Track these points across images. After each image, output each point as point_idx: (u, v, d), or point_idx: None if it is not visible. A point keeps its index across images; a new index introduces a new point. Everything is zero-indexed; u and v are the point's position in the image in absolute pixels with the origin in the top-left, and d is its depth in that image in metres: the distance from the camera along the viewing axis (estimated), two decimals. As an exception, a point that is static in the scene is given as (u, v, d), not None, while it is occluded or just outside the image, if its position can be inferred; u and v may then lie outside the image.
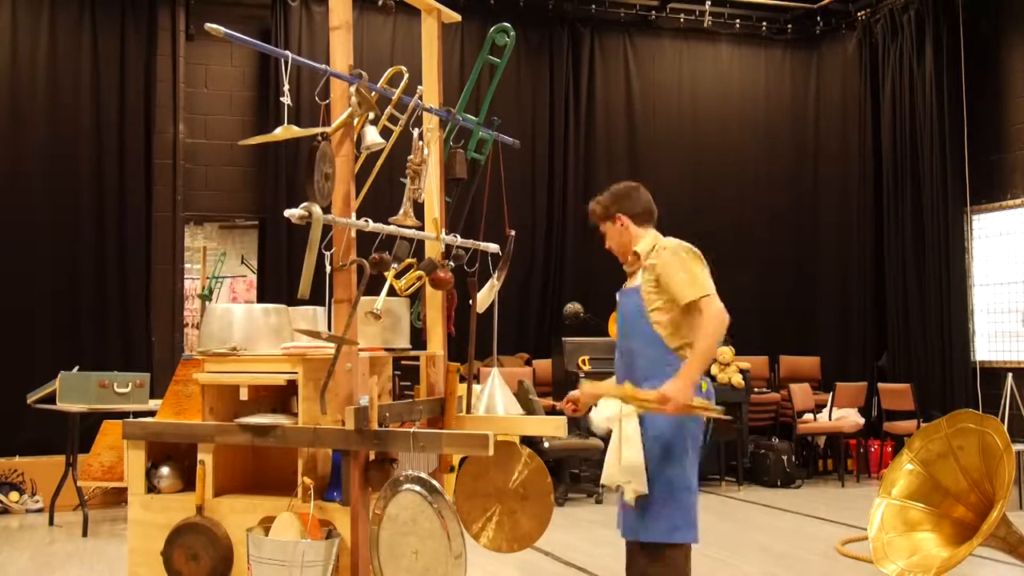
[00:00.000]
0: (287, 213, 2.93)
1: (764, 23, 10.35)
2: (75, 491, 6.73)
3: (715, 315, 3.32)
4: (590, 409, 3.58)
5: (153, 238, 8.37)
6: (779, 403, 9.21)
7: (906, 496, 4.41)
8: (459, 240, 3.75)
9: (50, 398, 6.80)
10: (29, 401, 7.02)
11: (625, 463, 3.34)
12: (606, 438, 3.55)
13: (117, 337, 8.22)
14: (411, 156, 3.35)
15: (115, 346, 8.19)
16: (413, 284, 3.58)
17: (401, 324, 3.63)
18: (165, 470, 3.36)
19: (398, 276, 3.45)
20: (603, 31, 9.96)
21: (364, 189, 3.44)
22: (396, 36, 9.15)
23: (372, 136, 3.24)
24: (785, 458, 8.49)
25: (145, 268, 8.33)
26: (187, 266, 8.76)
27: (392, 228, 3.30)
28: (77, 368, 6.99)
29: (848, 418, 8.76)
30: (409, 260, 3.43)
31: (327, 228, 3.02)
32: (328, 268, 3.19)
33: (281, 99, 3.05)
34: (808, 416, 8.90)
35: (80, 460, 6.68)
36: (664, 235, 3.59)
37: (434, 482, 3.01)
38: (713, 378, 8.57)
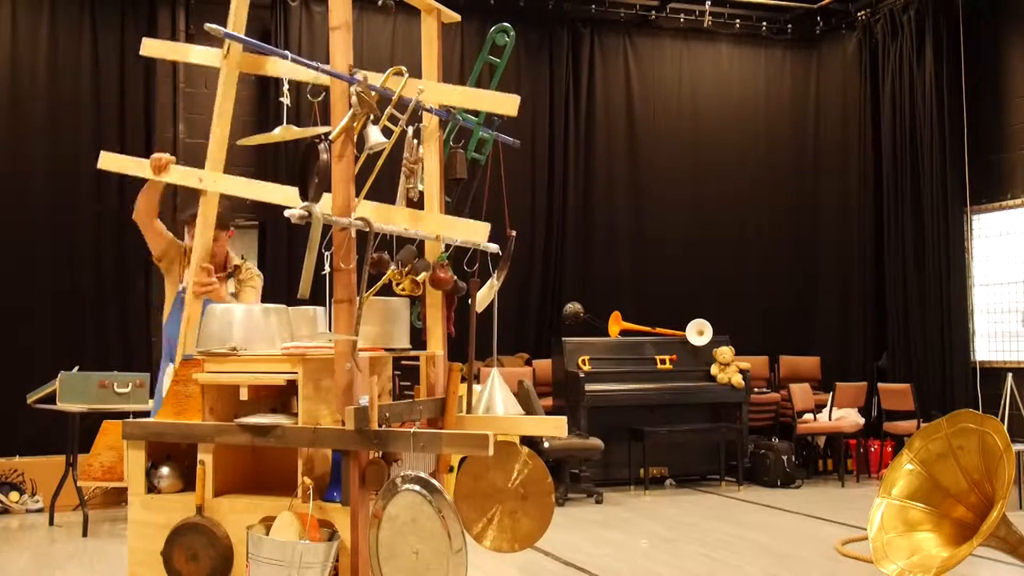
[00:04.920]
0: (287, 213, 2.93)
1: (764, 23, 10.35)
2: (75, 491, 6.74)
3: None
4: None
5: (153, 238, 8.37)
6: (779, 403, 9.22)
7: (906, 496, 4.41)
8: (459, 240, 3.74)
9: (50, 398, 6.81)
10: (29, 401, 7.02)
11: None
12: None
13: (117, 337, 8.22)
14: (405, 154, 3.35)
15: (115, 346, 8.19)
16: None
17: (401, 324, 3.63)
18: (165, 470, 3.35)
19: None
20: (603, 31, 9.95)
21: (364, 189, 3.43)
22: (396, 36, 9.15)
23: (376, 136, 3.24)
24: (785, 458, 8.48)
25: (145, 268, 8.32)
26: (187, 266, 8.75)
27: (391, 228, 3.30)
28: (77, 368, 6.99)
29: (848, 418, 8.76)
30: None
31: (327, 228, 3.02)
32: (328, 268, 3.18)
33: (281, 99, 3.05)
34: (808, 416, 8.90)
35: (80, 460, 6.68)
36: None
37: (434, 482, 3.01)
38: (713, 378, 8.58)
